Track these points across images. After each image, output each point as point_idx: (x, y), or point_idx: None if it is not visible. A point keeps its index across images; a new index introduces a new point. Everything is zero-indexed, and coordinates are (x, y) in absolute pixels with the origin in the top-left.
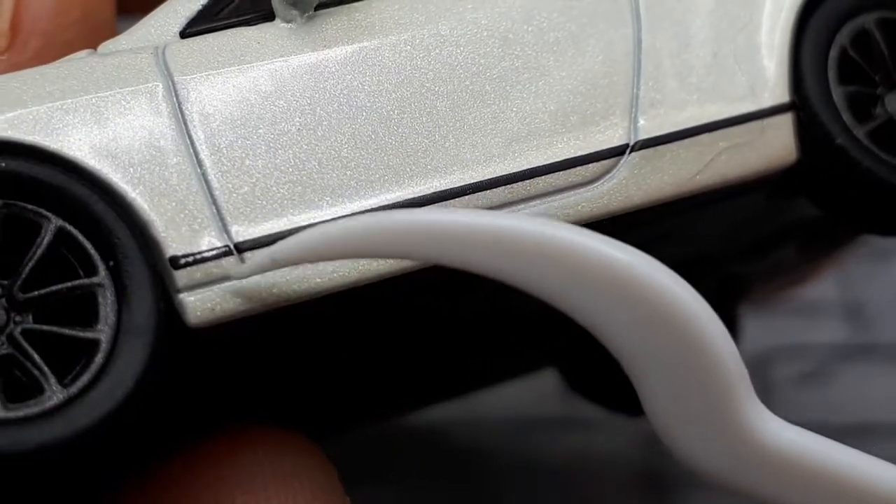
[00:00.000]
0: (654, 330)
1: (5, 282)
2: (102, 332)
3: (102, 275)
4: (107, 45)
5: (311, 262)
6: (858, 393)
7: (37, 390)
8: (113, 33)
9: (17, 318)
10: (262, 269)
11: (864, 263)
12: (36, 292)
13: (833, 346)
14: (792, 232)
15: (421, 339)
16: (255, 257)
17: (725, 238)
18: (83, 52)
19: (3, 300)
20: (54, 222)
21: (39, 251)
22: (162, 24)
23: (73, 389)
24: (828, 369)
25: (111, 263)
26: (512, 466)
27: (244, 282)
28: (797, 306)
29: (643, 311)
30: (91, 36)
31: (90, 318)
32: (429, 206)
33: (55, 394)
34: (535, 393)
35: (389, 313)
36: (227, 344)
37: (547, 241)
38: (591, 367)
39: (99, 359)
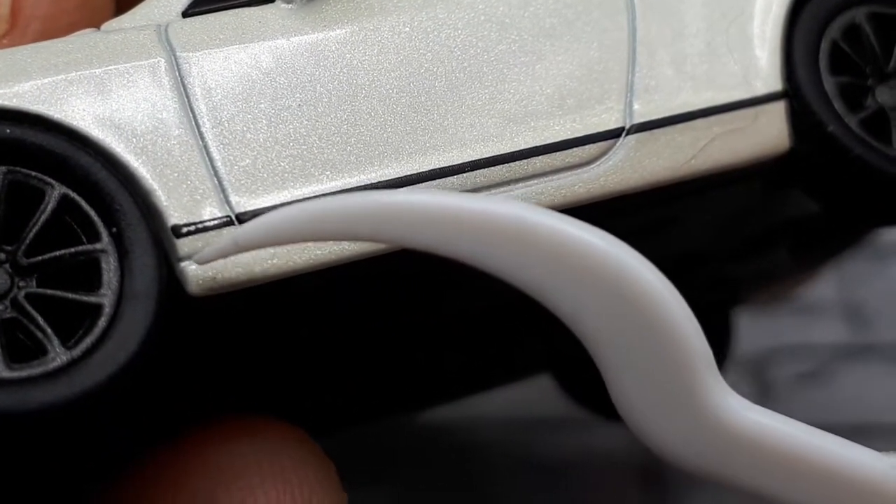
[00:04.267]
0: (617, 309)
1: (9, 247)
2: (105, 297)
3: (105, 241)
4: (110, 24)
5: (274, 245)
6: (858, 393)
7: (40, 353)
8: (111, 16)
9: (21, 283)
10: (225, 254)
11: (864, 263)
12: (39, 257)
13: (833, 346)
14: (786, 230)
15: (421, 337)
16: (217, 241)
17: (719, 234)
18: (87, 30)
19: (7, 265)
20: (58, 189)
21: (43, 217)
22: (164, 4)
23: (77, 352)
24: (827, 369)
25: (114, 230)
26: (512, 466)
27: (246, 253)
28: (797, 306)
29: (605, 289)
30: (90, 21)
31: (93, 284)
32: (409, 188)
33: (59, 356)
34: (535, 393)
35: (390, 310)
36: (226, 334)
37: (509, 222)
38: (586, 370)
39: (102, 322)
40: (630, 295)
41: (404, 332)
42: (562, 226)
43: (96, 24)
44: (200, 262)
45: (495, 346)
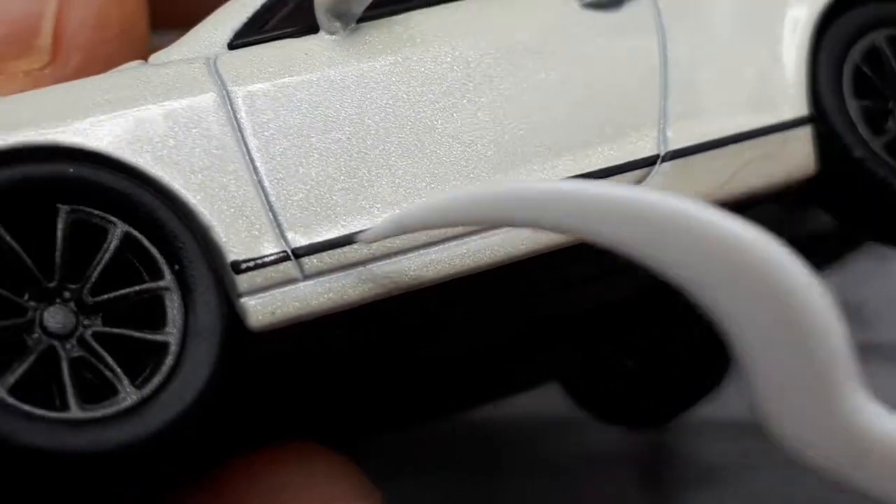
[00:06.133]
0: (765, 305)
1: (74, 286)
2: (171, 335)
3: (168, 278)
4: (158, 56)
5: (438, 227)
6: None
7: (109, 392)
8: (147, 47)
9: (86, 322)
10: (388, 234)
11: (864, 263)
12: (105, 296)
13: None
14: (801, 244)
15: (432, 350)
16: (380, 223)
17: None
18: (135, 63)
19: (72, 304)
20: (120, 227)
21: (107, 256)
22: (210, 36)
23: (147, 391)
24: None
25: (176, 267)
26: (512, 466)
27: (301, 286)
28: None
29: (759, 288)
30: (129, 49)
31: (157, 322)
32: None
33: (129, 395)
34: (538, 394)
35: (402, 328)
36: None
37: (662, 212)
38: (595, 382)
39: (169, 360)
40: (780, 291)
41: (414, 343)
42: (716, 218)
43: (135, 52)
44: (365, 241)
45: (508, 364)
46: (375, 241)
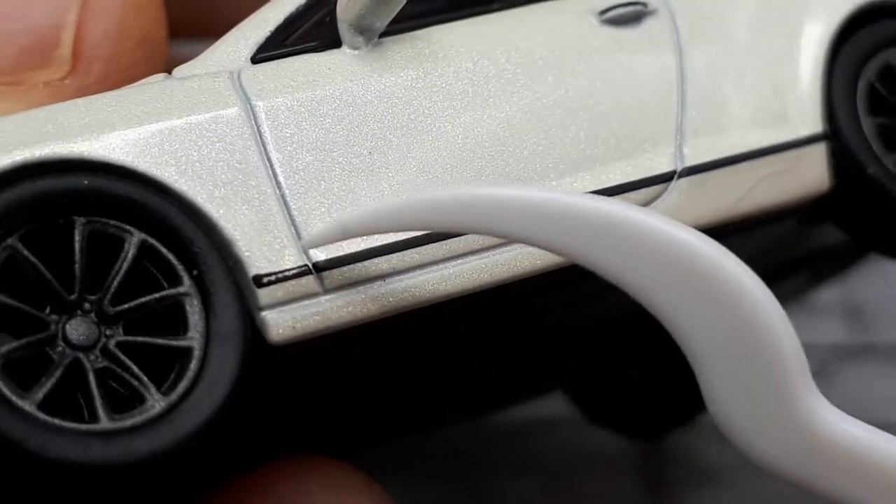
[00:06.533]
0: (718, 313)
1: (93, 297)
2: (194, 340)
3: (187, 284)
4: (181, 70)
5: (379, 232)
6: (858, 393)
7: (137, 401)
8: (167, 56)
9: (108, 332)
10: (331, 239)
11: (864, 263)
12: (126, 305)
13: (833, 346)
14: (810, 258)
15: (436, 360)
16: (324, 227)
17: (751, 265)
18: (159, 76)
19: (93, 315)
20: (137, 236)
21: (125, 265)
22: (233, 50)
23: (174, 397)
24: (828, 369)
25: (195, 272)
26: (512, 466)
27: (322, 300)
28: (797, 306)
29: (708, 293)
30: (148, 59)
31: (178, 328)
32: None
33: (157, 402)
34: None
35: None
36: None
37: (620, 220)
38: (598, 392)
39: (194, 365)
40: (730, 298)
41: (417, 351)
42: (665, 227)
43: (155, 62)
44: (307, 247)
45: (509, 369)
46: (316, 246)
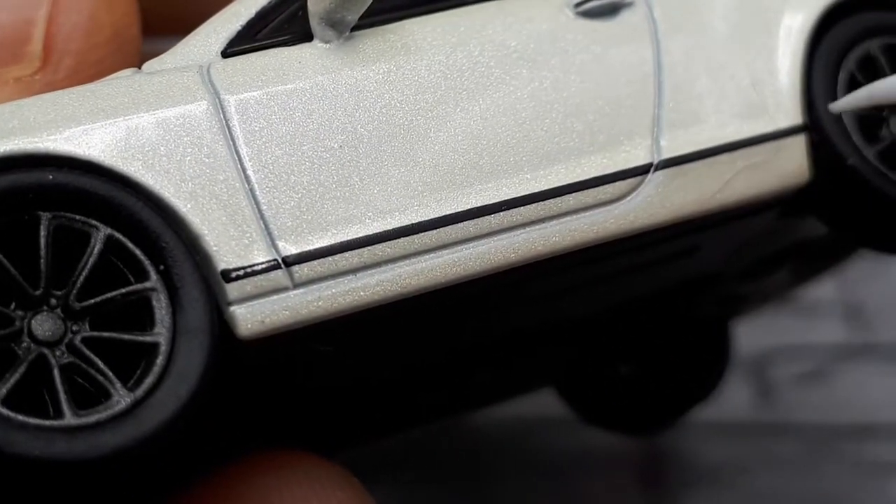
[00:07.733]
0: None
1: (59, 292)
2: (161, 335)
3: (154, 279)
4: (151, 64)
5: None
6: (858, 393)
7: (102, 396)
8: (139, 51)
9: (74, 328)
10: (855, 105)
11: (864, 263)
12: (92, 300)
13: (833, 346)
14: (795, 250)
15: (422, 354)
16: (853, 93)
17: (734, 258)
18: (128, 71)
19: (59, 310)
20: (103, 231)
21: (91, 260)
22: (204, 44)
23: (140, 393)
24: (828, 369)
25: (161, 267)
26: (511, 466)
27: (291, 295)
28: (797, 306)
29: None
30: (120, 55)
31: (145, 323)
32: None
33: (122, 398)
34: (536, 393)
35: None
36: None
37: None
38: (589, 387)
39: (160, 361)
40: None
41: (409, 345)
42: None
43: (127, 57)
44: (835, 111)
45: (502, 362)
46: (844, 110)
